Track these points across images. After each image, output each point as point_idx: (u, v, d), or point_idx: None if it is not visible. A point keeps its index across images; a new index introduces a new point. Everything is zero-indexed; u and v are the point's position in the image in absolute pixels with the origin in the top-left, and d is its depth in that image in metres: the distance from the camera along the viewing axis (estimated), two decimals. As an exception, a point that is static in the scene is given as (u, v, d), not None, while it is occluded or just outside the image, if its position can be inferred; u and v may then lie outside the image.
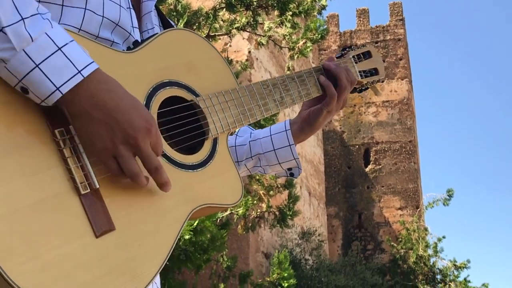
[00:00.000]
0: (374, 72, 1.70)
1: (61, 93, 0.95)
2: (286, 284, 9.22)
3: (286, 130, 1.57)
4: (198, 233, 6.83)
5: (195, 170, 1.21)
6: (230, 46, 13.55)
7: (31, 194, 0.91)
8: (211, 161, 1.26)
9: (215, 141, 1.30)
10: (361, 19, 28.29)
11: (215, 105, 1.29)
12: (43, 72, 0.94)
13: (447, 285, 20.42)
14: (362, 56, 1.69)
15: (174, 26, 1.45)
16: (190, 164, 1.21)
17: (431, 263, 21.12)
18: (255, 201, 9.13)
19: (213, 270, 9.09)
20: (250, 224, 9.55)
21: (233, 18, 8.30)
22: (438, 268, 21.17)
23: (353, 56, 1.67)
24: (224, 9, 8.15)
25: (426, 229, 22.21)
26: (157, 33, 1.24)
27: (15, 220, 0.88)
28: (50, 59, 0.94)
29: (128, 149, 1.02)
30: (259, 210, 9.59)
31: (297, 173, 1.60)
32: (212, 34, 8.44)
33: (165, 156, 1.15)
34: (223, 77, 1.35)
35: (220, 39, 9.11)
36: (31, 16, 0.94)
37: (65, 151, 0.97)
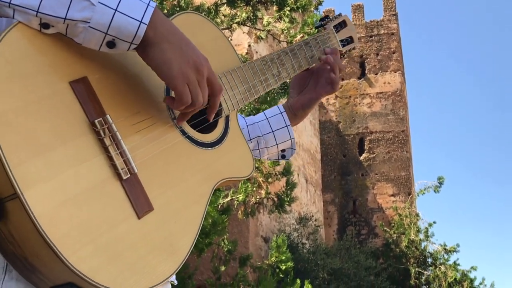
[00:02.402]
0: (350, 40, 1.73)
1: (145, 24, 0.99)
2: (284, 267, 9.26)
3: (281, 113, 1.59)
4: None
5: (213, 148, 1.26)
6: (231, 39, 13.52)
7: (80, 183, 0.94)
8: (225, 138, 1.31)
9: (227, 119, 1.35)
10: (356, 14, 28.16)
11: (225, 84, 1.33)
12: (123, 13, 0.97)
13: (438, 268, 20.46)
14: (339, 26, 1.71)
15: None
16: (209, 142, 1.25)
17: (422, 247, 21.16)
18: (254, 188, 9.15)
19: (214, 253, 9.13)
20: (249, 210, 9.57)
21: (233, 13, 8.28)
22: (429, 252, 21.21)
23: (333, 27, 1.69)
24: (225, 5, 8.13)
25: (417, 215, 22.26)
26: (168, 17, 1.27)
27: (69, 209, 0.91)
28: (122, 2, 0.98)
29: (197, 76, 1.07)
30: (258, 197, 9.62)
31: (289, 154, 1.62)
32: (213, 28, 8.43)
33: (188, 137, 1.19)
34: (228, 56, 1.38)
35: (221, 33, 9.11)
36: None
37: (106, 140, 0.99)
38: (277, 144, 1.59)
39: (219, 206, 8.44)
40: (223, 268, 8.92)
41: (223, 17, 8.39)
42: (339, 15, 1.74)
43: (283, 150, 1.61)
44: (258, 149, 1.60)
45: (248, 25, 8.55)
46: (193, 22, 1.31)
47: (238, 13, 8.24)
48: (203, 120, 1.27)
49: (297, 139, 19.04)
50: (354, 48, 1.76)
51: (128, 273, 0.96)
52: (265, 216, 14.68)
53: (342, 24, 1.72)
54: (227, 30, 8.65)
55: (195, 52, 1.08)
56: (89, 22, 0.96)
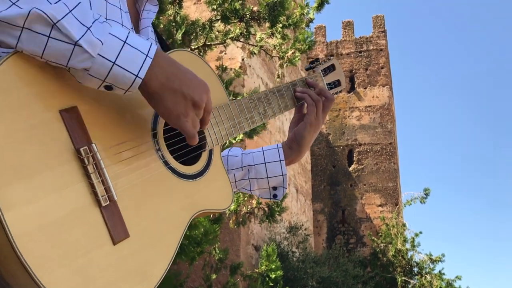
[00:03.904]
0: (337, 83, 1.76)
1: (141, 78, 1.01)
2: (273, 275, 9.23)
3: (278, 148, 1.57)
4: (192, 228, 6.85)
5: (195, 180, 1.27)
6: (225, 54, 13.55)
7: (60, 208, 0.95)
8: (207, 170, 1.32)
9: (210, 152, 1.36)
10: (346, 31, 28.33)
11: (211, 120, 1.34)
12: (121, 66, 1.00)
13: (423, 277, 20.46)
14: (327, 69, 1.74)
15: (167, 43, 1.49)
16: (190, 174, 1.26)
17: (408, 257, 21.17)
18: (245, 198, 9.15)
19: (206, 261, 9.10)
20: (241, 219, 9.55)
21: (227, 29, 8.31)
22: (415, 261, 21.21)
23: (321, 70, 1.71)
24: (220, 21, 8.16)
25: (404, 225, 22.27)
26: None
27: (47, 232, 0.92)
28: (121, 54, 1.00)
29: (196, 112, 1.11)
30: (249, 206, 9.60)
31: (281, 193, 1.56)
32: (208, 43, 8.45)
33: (170, 168, 1.20)
34: (216, 93, 1.39)
35: (215, 48, 9.12)
36: (93, 23, 0.99)
37: (89, 167, 1.00)
38: (267, 178, 1.54)
39: (211, 216, 8.42)
40: (214, 276, 8.89)
41: (217, 33, 8.43)
42: (328, 59, 1.77)
43: (274, 188, 1.56)
44: (248, 178, 1.56)
45: (241, 40, 8.59)
46: (185, 59, 1.31)
47: (232, 29, 8.28)
48: (186, 152, 1.28)
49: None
50: (341, 91, 1.79)
51: None
52: (256, 225, 14.65)
53: (331, 68, 1.74)
54: (221, 45, 8.69)
55: (196, 90, 1.10)
56: (88, 71, 0.98)
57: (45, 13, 0.94)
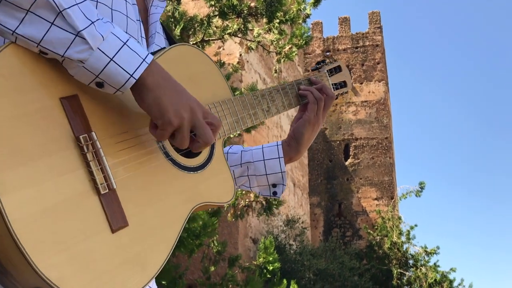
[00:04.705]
0: (343, 84, 1.76)
1: (135, 78, 1.01)
2: (271, 268, 9.26)
3: (277, 145, 1.55)
4: (191, 220, 6.86)
5: (196, 172, 1.25)
6: (223, 49, 13.55)
7: (58, 194, 0.94)
8: (209, 164, 1.30)
9: (212, 146, 1.34)
10: (343, 26, 28.31)
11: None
12: (118, 64, 0.99)
13: (419, 269, 20.53)
14: (334, 70, 1.73)
15: (174, 38, 1.49)
16: (192, 166, 1.24)
17: (404, 249, 21.23)
18: (243, 192, 9.17)
19: (204, 254, 9.12)
20: (239, 212, 9.56)
21: (225, 24, 8.30)
22: (410, 254, 21.28)
23: (327, 70, 1.71)
24: (217, 16, 8.15)
25: (399, 218, 22.33)
26: (165, 47, 1.27)
27: (45, 218, 0.90)
28: (120, 53, 1.00)
29: (193, 117, 1.08)
30: (247, 200, 9.62)
31: (280, 191, 1.55)
32: (206, 39, 8.44)
33: (171, 160, 1.19)
34: (220, 88, 1.38)
35: (213, 43, 9.12)
36: (97, 20, 1.00)
37: (88, 155, 0.99)
38: (266, 175, 1.53)
39: (209, 209, 8.44)
40: (212, 268, 8.91)
41: (215, 28, 8.42)
42: (335, 60, 1.77)
43: (274, 185, 1.55)
44: (247, 175, 1.55)
45: (239, 36, 8.58)
46: (189, 54, 1.31)
47: (230, 25, 8.27)
48: None
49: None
50: (346, 92, 1.78)
51: (97, 283, 0.96)
52: (254, 218, 14.68)
53: (337, 69, 1.74)
54: (219, 41, 8.68)
55: (189, 97, 1.09)
56: (84, 63, 0.98)
57: (53, 0, 0.95)
